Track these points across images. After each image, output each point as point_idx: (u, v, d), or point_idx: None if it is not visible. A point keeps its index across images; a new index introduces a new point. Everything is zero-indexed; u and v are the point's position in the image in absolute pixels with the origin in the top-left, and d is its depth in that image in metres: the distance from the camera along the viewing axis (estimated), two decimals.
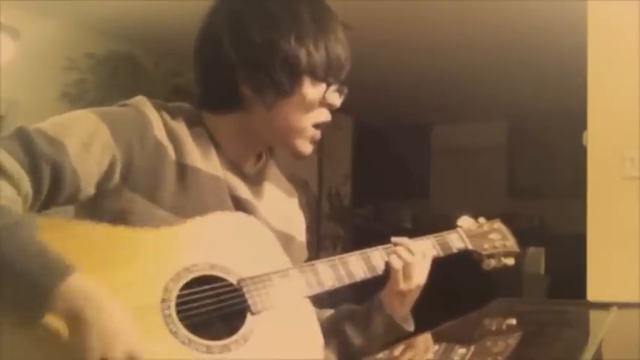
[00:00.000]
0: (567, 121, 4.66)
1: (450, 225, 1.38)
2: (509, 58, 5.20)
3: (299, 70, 1.13)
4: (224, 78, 1.15)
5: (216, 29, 1.16)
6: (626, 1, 2.91)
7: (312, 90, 1.15)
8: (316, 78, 1.15)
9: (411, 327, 1.27)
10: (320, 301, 1.21)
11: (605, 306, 1.57)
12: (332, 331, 1.26)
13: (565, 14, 4.11)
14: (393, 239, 1.26)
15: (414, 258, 1.24)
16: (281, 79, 1.12)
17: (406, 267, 1.23)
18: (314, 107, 1.17)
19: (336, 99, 1.19)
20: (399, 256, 1.23)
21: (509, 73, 5.60)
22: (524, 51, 5.00)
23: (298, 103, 1.15)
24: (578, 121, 3.17)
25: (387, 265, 1.23)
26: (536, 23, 4.40)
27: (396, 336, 1.26)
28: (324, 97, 1.17)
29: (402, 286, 1.23)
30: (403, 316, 1.27)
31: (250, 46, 1.13)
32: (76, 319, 0.87)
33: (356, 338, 1.26)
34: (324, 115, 1.19)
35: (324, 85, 1.16)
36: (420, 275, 1.24)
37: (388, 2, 4.12)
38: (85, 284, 0.89)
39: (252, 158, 1.24)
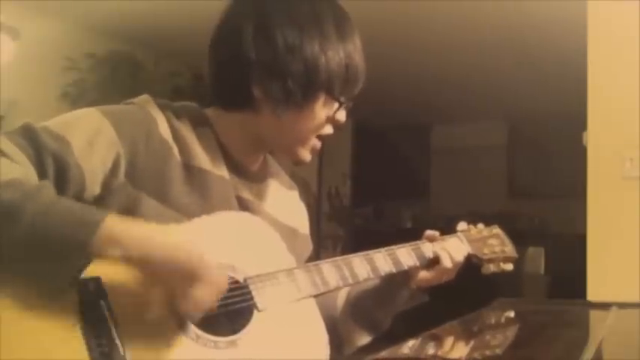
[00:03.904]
0: (567, 121, 4.66)
1: (450, 225, 1.39)
2: (510, 58, 5.20)
3: (316, 84, 1.12)
4: (238, 75, 1.13)
5: (239, 23, 1.13)
6: (626, 1, 2.91)
7: (323, 110, 1.15)
8: (332, 95, 1.14)
9: (425, 297, 1.34)
10: None
11: (605, 306, 1.57)
12: (356, 308, 1.30)
13: (565, 14, 4.11)
14: (431, 233, 1.33)
15: (462, 259, 1.32)
16: (295, 91, 1.11)
17: (455, 266, 1.31)
18: (322, 124, 1.17)
19: (343, 116, 1.19)
20: (451, 256, 1.30)
21: (510, 73, 5.61)
22: (524, 51, 5.00)
23: (307, 117, 1.14)
24: (578, 121, 3.17)
25: (435, 258, 1.29)
26: (536, 23, 4.41)
27: (414, 304, 1.33)
28: (333, 115, 1.17)
29: (441, 279, 1.31)
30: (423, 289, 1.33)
31: (271, 48, 1.10)
32: (135, 259, 0.91)
33: (380, 314, 1.31)
34: (328, 129, 1.19)
35: (336, 105, 1.16)
36: (454, 272, 1.33)
37: (389, 2, 4.12)
38: (123, 221, 0.92)
39: (255, 157, 1.24)
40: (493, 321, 1.54)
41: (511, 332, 1.47)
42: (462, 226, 1.41)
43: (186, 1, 4.01)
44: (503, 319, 1.57)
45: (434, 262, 1.29)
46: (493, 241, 1.41)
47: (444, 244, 1.31)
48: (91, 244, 0.88)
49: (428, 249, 1.29)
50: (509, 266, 1.42)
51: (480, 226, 1.44)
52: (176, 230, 0.96)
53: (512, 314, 1.63)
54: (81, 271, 0.90)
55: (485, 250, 1.39)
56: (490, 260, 1.39)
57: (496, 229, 1.45)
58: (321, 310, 1.16)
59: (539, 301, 3.38)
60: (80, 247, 0.88)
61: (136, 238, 0.91)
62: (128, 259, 0.91)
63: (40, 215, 0.88)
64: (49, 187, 0.94)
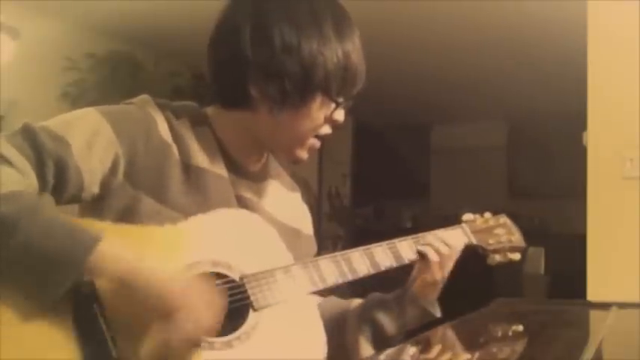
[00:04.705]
0: (567, 121, 4.66)
1: (449, 225, 1.38)
2: (510, 58, 5.20)
3: (313, 85, 1.11)
4: (235, 74, 1.13)
5: (237, 21, 1.13)
6: (626, 1, 2.91)
7: (320, 110, 1.14)
8: (329, 96, 1.13)
9: (438, 312, 1.30)
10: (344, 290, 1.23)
11: (605, 306, 1.57)
12: (365, 320, 1.28)
13: (565, 14, 4.11)
14: (426, 234, 1.29)
15: (449, 250, 1.28)
16: (292, 91, 1.10)
17: (442, 258, 1.26)
18: (319, 124, 1.17)
19: (341, 116, 1.18)
20: (435, 248, 1.26)
21: (510, 73, 5.60)
22: (524, 51, 5.00)
23: (304, 118, 1.14)
24: (578, 121, 3.17)
25: (422, 256, 1.26)
26: (536, 23, 4.40)
27: (426, 321, 1.29)
28: (330, 115, 1.16)
29: (437, 275, 1.27)
30: (432, 301, 1.30)
31: (269, 48, 1.10)
32: (121, 284, 0.91)
33: (390, 326, 1.28)
34: (326, 129, 1.19)
35: (333, 105, 1.15)
36: (452, 264, 1.29)
37: (388, 2, 4.12)
38: (116, 247, 0.93)
39: (255, 157, 1.23)
40: (493, 321, 1.54)
41: (510, 332, 1.47)
42: (467, 216, 1.38)
43: (186, 1, 4.01)
44: (502, 320, 1.57)
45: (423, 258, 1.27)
46: (499, 231, 1.39)
47: (429, 238, 1.28)
48: (83, 266, 0.89)
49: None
50: (517, 256, 1.40)
51: (487, 215, 1.42)
52: (162, 266, 0.96)
53: (512, 314, 1.63)
54: (69, 288, 0.90)
55: (491, 241, 1.36)
56: (496, 250, 1.37)
57: (503, 218, 1.42)
58: (330, 310, 1.15)
59: (539, 301, 3.38)
60: (72, 266, 0.89)
61: (122, 271, 0.92)
62: (114, 288, 0.92)
63: (35, 232, 0.88)
64: (47, 202, 0.94)
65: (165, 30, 4.62)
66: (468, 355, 1.20)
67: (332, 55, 1.11)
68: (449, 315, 1.40)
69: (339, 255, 1.17)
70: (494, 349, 1.25)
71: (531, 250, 5.25)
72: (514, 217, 1.46)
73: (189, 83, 4.97)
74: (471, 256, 1.37)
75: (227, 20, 1.16)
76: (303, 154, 1.19)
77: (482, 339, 1.36)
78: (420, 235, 1.29)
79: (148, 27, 4.62)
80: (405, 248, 1.25)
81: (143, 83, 4.68)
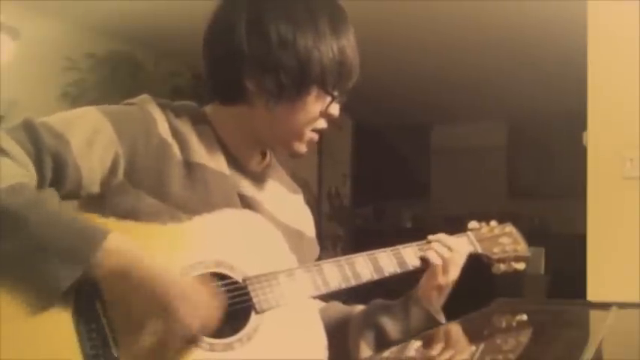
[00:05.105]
0: (567, 121, 4.66)
1: (450, 225, 1.38)
2: (510, 58, 5.20)
3: (308, 78, 1.12)
4: (231, 68, 1.13)
5: (232, 17, 1.14)
6: (626, 1, 2.91)
7: (316, 104, 1.15)
8: (324, 89, 1.14)
9: (443, 319, 1.30)
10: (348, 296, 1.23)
11: (605, 306, 1.56)
12: (368, 325, 1.29)
13: (565, 14, 4.11)
14: (430, 237, 1.30)
15: (452, 254, 1.27)
16: (288, 84, 1.11)
17: (445, 262, 1.27)
18: (315, 118, 1.17)
19: (336, 110, 1.19)
20: (438, 253, 1.26)
21: (510, 73, 5.60)
22: (524, 51, 5.00)
23: (300, 111, 1.15)
24: (578, 121, 3.18)
25: (425, 261, 1.26)
26: (536, 23, 4.41)
27: (430, 327, 1.29)
28: (326, 109, 1.17)
29: (441, 280, 1.27)
30: (437, 308, 1.30)
31: (264, 42, 1.11)
32: (125, 279, 0.91)
33: (393, 331, 1.28)
34: (322, 123, 1.19)
35: (328, 98, 1.16)
36: (456, 270, 1.29)
37: (388, 2, 4.12)
38: (124, 242, 0.93)
39: (256, 156, 1.24)
40: (493, 321, 1.54)
41: (511, 332, 1.47)
42: (472, 224, 1.38)
43: (186, 1, 4.01)
44: (503, 320, 1.57)
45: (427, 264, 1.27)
46: (505, 240, 1.39)
47: (432, 243, 1.29)
48: (89, 262, 0.90)
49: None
50: (521, 265, 1.40)
51: (493, 223, 1.41)
52: (166, 264, 0.96)
53: (512, 314, 1.63)
54: (72, 284, 0.90)
55: (496, 250, 1.36)
56: (500, 260, 1.36)
57: (509, 227, 1.42)
58: (332, 315, 1.15)
59: (539, 301, 3.37)
60: (79, 261, 0.89)
61: (128, 265, 0.92)
62: (118, 282, 0.92)
63: (42, 226, 0.89)
64: (52, 197, 0.95)
65: (165, 30, 4.62)
66: (469, 355, 1.20)
67: (327, 50, 1.12)
68: (450, 315, 1.40)
69: (342, 259, 1.17)
70: (495, 349, 1.25)
71: (531, 250, 5.25)
72: (514, 217, 1.46)
73: (189, 83, 4.97)
74: (472, 257, 1.36)
75: (222, 17, 1.17)
76: (302, 148, 1.20)
77: (483, 338, 1.36)
78: (425, 241, 1.29)
79: (148, 27, 4.62)
80: (410, 254, 1.26)
81: (143, 83, 4.68)
